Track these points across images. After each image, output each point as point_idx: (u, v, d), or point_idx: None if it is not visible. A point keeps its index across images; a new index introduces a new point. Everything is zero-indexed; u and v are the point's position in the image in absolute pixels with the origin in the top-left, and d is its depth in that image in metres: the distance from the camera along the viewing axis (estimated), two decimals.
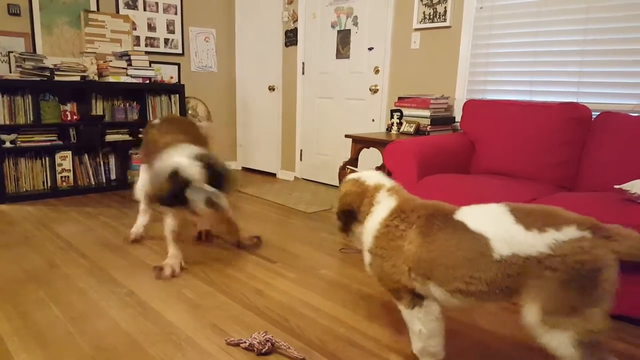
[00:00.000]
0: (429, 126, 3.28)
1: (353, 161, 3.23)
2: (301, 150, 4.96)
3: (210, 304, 2.12)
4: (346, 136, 3.28)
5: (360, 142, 3.22)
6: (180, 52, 5.10)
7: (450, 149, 2.92)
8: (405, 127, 3.38)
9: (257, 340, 1.72)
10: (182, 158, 2.22)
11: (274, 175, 5.31)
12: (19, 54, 3.90)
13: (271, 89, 5.12)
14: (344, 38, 4.34)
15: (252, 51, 5.31)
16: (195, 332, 1.87)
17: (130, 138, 4.50)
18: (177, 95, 4.69)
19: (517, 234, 1.31)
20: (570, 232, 1.27)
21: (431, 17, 3.57)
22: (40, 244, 2.87)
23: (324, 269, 2.59)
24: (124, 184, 4.48)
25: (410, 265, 1.46)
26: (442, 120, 3.39)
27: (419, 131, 3.32)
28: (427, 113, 3.30)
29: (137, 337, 1.82)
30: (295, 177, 5.05)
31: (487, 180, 2.57)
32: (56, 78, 3.99)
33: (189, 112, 5.02)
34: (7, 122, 3.82)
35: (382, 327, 1.95)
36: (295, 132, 4.96)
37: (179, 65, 5.11)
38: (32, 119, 3.94)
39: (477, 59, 3.39)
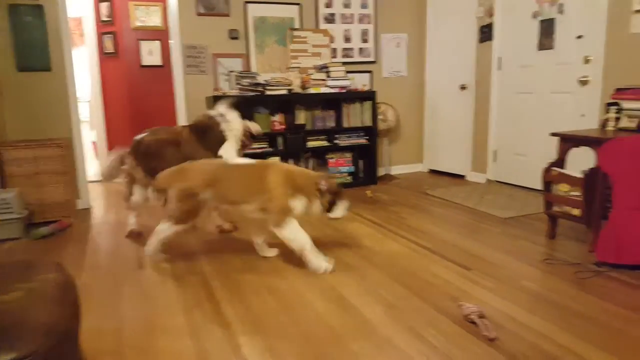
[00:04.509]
0: None
1: (560, 162, 2.91)
2: (495, 151, 4.67)
3: (405, 306, 2.16)
4: (552, 134, 2.97)
5: (569, 141, 2.88)
6: (373, 59, 5.30)
7: None
8: (624, 122, 2.91)
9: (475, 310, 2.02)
10: None
11: (462, 177, 5.12)
12: (238, 72, 4.56)
13: (463, 87, 4.95)
14: (547, 28, 3.94)
15: (443, 51, 5.21)
16: (394, 333, 1.93)
17: (328, 143, 4.86)
18: (370, 101, 4.89)
19: None
20: None
21: None
22: None
23: (526, 280, 2.40)
24: None
25: None
26: None
27: None
28: None
29: (340, 331, 1.96)
30: (487, 179, 4.78)
31: None
32: (267, 92, 4.55)
33: (379, 117, 5.18)
34: None
35: (607, 353, 1.72)
36: (488, 131, 4.70)
37: (371, 72, 5.32)
38: None
39: None
